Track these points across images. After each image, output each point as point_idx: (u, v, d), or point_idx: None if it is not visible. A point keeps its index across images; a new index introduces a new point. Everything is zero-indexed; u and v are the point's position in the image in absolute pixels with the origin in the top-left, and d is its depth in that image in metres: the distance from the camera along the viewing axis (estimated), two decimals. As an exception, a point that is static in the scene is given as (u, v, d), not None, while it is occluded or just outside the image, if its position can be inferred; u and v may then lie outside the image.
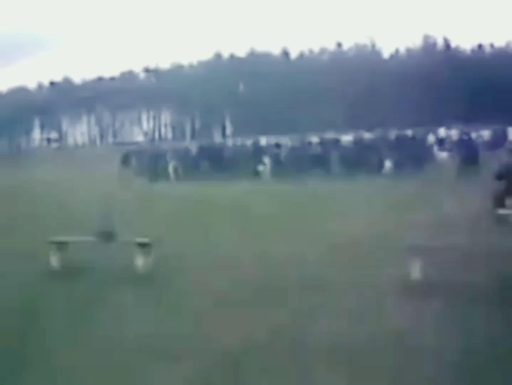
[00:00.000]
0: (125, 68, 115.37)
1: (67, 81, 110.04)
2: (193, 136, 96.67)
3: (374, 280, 7.12)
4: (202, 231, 11.54)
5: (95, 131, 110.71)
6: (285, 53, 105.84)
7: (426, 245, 7.27)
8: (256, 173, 24.38)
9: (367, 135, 35.31)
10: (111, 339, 5.66)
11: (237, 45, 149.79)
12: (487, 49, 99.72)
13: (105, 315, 6.42)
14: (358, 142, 30.19)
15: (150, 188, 23.04)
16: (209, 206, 15.70)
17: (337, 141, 30.78)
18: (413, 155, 23.67)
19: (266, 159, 25.38)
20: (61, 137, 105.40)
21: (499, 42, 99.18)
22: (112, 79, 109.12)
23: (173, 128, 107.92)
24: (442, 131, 34.91)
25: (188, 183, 23.06)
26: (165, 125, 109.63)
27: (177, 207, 15.59)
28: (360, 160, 24.17)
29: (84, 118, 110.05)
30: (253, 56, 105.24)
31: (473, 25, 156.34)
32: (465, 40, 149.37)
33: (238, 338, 5.45)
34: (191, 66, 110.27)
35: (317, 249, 9.09)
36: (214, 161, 27.28)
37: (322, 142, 30.63)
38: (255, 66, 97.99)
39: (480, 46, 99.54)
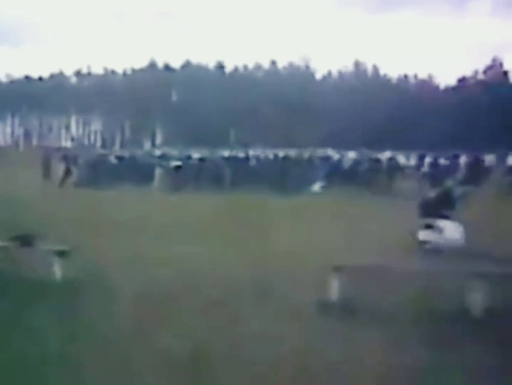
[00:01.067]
0: (55, 69, 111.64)
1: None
2: (122, 144, 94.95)
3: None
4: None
5: (20, 132, 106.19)
6: (220, 67, 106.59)
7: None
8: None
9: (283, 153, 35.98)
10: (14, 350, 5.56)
11: (173, 55, 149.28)
12: (411, 79, 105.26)
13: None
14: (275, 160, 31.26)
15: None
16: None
17: (246, 159, 31.13)
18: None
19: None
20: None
21: (422, 74, 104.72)
22: (41, 79, 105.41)
23: (103, 135, 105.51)
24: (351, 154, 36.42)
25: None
26: (95, 132, 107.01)
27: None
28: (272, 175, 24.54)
29: (9, 119, 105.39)
30: (188, 67, 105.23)
31: (400, 55, 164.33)
32: (392, 69, 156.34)
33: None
34: (124, 73, 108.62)
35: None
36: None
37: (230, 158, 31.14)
38: (189, 78, 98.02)
39: (405, 76, 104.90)
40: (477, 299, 6.55)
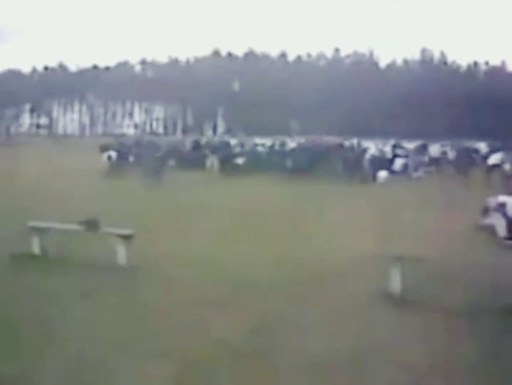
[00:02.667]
0: (121, 59, 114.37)
1: (61, 68, 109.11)
2: (184, 131, 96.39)
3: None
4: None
5: (86, 120, 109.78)
6: (283, 56, 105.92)
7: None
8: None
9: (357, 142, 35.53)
10: (82, 332, 5.49)
11: (236, 44, 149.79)
12: (482, 67, 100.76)
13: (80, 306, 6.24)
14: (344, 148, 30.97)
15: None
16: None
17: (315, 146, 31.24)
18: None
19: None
20: (51, 124, 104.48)
21: (495, 61, 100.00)
22: (107, 69, 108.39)
23: (165, 123, 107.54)
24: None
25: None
26: (157, 120, 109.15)
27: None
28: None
29: (76, 107, 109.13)
30: (251, 56, 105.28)
31: (470, 42, 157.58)
32: (461, 57, 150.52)
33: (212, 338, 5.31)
34: (187, 62, 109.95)
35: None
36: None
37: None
38: (252, 66, 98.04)
39: (475, 63, 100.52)
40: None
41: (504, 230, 9.82)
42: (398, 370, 4.72)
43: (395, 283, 6.69)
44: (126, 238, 8.14)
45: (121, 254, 8.03)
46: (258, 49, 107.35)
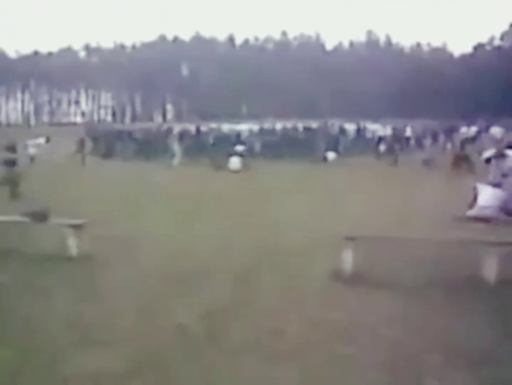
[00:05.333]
0: (63, 44, 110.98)
1: (0, 54, 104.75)
2: (133, 119, 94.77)
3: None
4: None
5: (30, 108, 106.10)
6: (231, 40, 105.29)
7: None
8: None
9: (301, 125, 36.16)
10: (36, 321, 5.47)
11: (182, 28, 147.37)
12: (425, 47, 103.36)
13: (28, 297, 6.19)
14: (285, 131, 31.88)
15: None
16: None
17: (261, 130, 32.02)
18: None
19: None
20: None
21: (436, 42, 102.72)
22: (50, 54, 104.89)
23: (113, 110, 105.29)
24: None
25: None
26: (105, 107, 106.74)
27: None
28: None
29: (18, 95, 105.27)
30: (198, 40, 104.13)
31: (414, 24, 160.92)
32: (405, 38, 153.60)
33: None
34: (134, 47, 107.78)
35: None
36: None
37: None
38: (199, 51, 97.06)
39: (418, 44, 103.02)
40: (492, 268, 6.49)
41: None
42: (341, 345, 4.94)
43: (347, 263, 6.92)
44: (77, 227, 8.06)
45: (72, 244, 7.94)
46: (205, 33, 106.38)
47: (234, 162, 20.84)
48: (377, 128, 32.62)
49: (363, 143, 29.79)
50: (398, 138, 28.65)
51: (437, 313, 5.66)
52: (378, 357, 4.64)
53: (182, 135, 30.19)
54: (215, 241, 8.87)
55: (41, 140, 25.16)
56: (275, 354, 4.75)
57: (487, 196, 9.79)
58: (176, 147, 24.84)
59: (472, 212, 10.09)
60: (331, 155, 24.49)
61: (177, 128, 35.45)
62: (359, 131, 33.61)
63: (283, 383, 4.28)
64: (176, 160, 23.71)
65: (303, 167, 21.45)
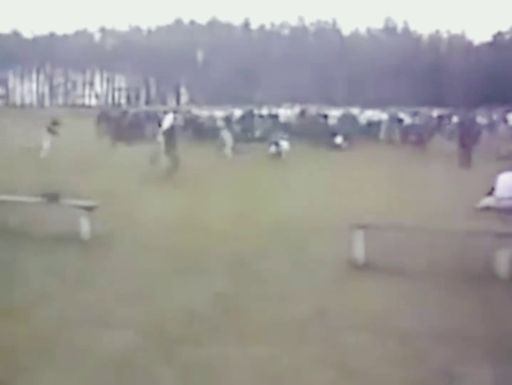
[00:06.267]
0: (79, 27, 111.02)
1: (16, 35, 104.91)
2: (147, 102, 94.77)
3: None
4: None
5: (45, 90, 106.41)
6: (247, 25, 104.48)
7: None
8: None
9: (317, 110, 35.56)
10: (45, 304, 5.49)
11: (199, 13, 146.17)
12: (444, 35, 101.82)
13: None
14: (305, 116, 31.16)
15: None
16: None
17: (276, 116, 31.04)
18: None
19: None
20: (7, 94, 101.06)
21: (455, 30, 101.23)
22: (65, 36, 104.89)
23: (127, 93, 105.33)
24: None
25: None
26: (119, 90, 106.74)
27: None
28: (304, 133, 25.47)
29: (33, 76, 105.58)
30: (214, 25, 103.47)
31: (432, 11, 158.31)
32: (423, 26, 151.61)
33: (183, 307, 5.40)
34: (149, 30, 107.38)
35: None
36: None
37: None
38: (215, 35, 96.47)
39: (437, 31, 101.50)
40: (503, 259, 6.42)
41: None
42: (351, 330, 4.91)
43: (359, 250, 6.88)
44: (89, 209, 8.08)
45: (84, 225, 7.97)
46: (221, 18, 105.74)
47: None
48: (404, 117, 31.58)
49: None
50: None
51: (443, 302, 5.62)
52: (388, 345, 4.61)
53: (228, 121, 27.29)
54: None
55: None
56: (286, 340, 4.73)
57: (506, 186, 9.63)
58: (226, 134, 21.69)
59: (484, 202, 9.96)
60: (339, 140, 24.25)
61: (220, 113, 32.35)
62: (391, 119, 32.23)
63: (291, 367, 4.26)
64: (227, 150, 20.65)
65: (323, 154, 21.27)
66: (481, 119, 29.02)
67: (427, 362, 4.36)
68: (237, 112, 32.75)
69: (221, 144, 21.12)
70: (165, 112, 22.73)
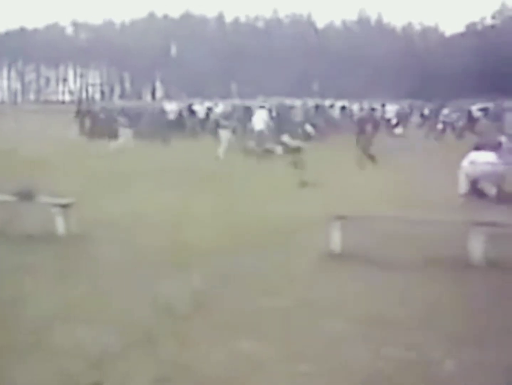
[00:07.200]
0: (50, 20, 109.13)
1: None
2: (122, 97, 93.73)
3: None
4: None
5: (17, 86, 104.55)
6: (221, 17, 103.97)
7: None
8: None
9: (294, 102, 35.56)
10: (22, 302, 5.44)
11: (172, 6, 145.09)
12: (416, 26, 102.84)
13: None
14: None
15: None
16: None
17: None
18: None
19: None
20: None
21: (428, 22, 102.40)
22: (36, 31, 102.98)
23: (102, 88, 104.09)
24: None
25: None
26: (93, 85, 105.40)
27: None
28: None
29: (4, 72, 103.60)
30: (187, 18, 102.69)
31: (405, 3, 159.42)
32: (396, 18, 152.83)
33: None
34: (122, 24, 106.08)
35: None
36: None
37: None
38: (188, 29, 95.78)
39: (410, 23, 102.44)
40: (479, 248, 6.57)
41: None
42: (334, 320, 4.97)
43: (336, 241, 6.96)
44: (65, 206, 7.99)
45: (60, 223, 7.88)
46: (195, 11, 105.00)
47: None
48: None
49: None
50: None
51: (422, 292, 5.72)
52: (366, 332, 4.68)
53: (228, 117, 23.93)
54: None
55: None
56: (263, 332, 4.77)
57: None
58: (223, 132, 19.12)
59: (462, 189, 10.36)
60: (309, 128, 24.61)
61: (219, 107, 30.36)
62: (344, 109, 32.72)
63: (270, 361, 4.29)
64: (221, 150, 18.15)
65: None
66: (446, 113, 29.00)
67: (399, 347, 4.43)
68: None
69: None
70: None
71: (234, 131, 20.09)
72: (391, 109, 31.79)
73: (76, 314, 5.18)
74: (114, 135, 22.03)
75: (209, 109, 30.36)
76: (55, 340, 4.63)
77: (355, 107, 33.26)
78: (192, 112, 29.75)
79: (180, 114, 29.08)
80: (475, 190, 10.54)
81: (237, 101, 35.96)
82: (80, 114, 29.41)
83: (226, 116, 23.88)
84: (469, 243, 6.66)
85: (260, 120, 21.28)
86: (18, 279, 6.09)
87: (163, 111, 29.96)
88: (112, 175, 13.46)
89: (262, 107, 25.65)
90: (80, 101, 50.33)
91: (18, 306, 5.38)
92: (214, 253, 7.02)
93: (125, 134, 21.76)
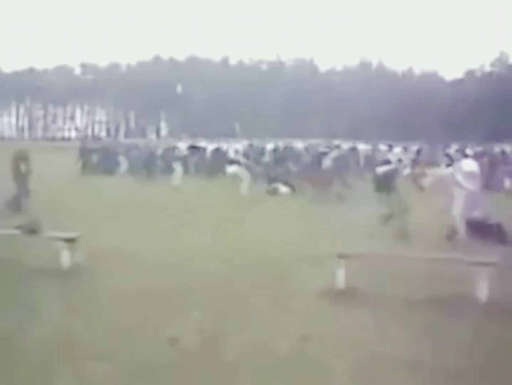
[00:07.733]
0: (59, 62, 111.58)
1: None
2: (127, 135, 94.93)
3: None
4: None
5: (24, 123, 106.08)
6: (225, 60, 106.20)
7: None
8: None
9: (296, 144, 35.72)
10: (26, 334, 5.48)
11: (178, 49, 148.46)
12: (417, 71, 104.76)
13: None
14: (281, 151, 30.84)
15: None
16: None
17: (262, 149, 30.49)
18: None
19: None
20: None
21: (429, 67, 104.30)
22: (45, 71, 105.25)
23: (107, 126, 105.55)
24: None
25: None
26: (99, 123, 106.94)
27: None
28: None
29: (13, 109, 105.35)
30: (193, 61, 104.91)
31: (406, 50, 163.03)
32: (397, 63, 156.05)
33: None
34: (129, 66, 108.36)
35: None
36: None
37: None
38: (194, 71, 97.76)
39: (410, 69, 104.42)
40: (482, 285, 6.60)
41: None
42: (332, 357, 5.00)
43: (340, 278, 7.05)
44: (70, 241, 8.07)
45: (65, 257, 7.95)
46: (200, 54, 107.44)
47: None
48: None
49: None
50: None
51: (422, 329, 5.74)
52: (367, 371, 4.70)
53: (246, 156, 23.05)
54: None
55: None
56: (267, 370, 4.80)
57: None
58: (244, 173, 18.33)
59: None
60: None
61: (234, 146, 28.88)
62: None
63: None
64: (244, 188, 17.59)
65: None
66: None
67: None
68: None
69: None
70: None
71: (249, 169, 19.86)
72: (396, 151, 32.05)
73: (80, 348, 5.21)
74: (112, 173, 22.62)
75: (218, 148, 30.42)
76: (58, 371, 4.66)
77: (361, 147, 33.40)
78: (203, 150, 29.89)
79: (191, 152, 29.06)
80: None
81: (245, 141, 36.17)
82: (84, 152, 29.73)
83: (245, 155, 23.79)
84: (472, 281, 6.69)
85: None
86: (22, 313, 6.13)
87: (173, 149, 29.50)
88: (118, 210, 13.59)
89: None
90: (84, 139, 50.86)
91: (20, 342, 5.42)
92: (215, 288, 7.07)
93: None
